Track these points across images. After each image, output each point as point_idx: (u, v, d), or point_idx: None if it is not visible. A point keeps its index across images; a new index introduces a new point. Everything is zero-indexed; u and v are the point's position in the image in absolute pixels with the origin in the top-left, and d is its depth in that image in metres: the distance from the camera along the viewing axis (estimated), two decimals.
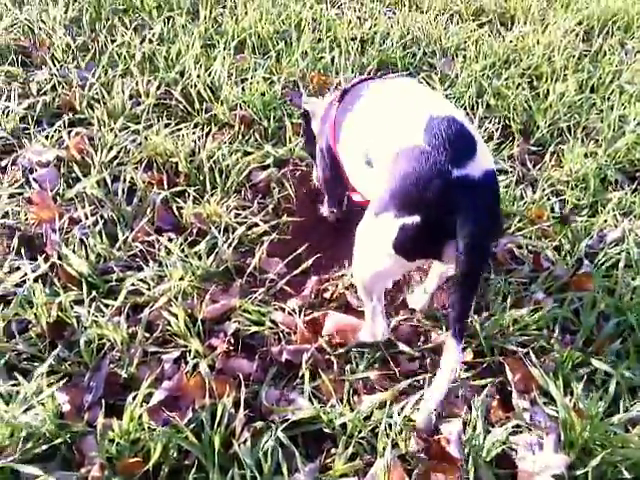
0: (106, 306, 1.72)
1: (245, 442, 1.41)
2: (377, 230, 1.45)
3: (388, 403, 1.55)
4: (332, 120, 1.78)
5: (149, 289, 1.79)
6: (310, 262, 1.97)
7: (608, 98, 2.99)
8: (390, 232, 1.40)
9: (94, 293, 1.76)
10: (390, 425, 1.50)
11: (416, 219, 1.35)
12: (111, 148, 2.34)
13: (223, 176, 2.29)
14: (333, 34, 3.24)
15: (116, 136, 2.41)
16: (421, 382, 1.65)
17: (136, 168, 2.28)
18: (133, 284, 1.79)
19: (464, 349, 1.77)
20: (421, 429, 1.49)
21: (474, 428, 1.52)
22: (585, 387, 1.65)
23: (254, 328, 1.72)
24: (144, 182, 2.22)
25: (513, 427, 1.55)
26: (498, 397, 1.64)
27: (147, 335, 1.68)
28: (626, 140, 2.63)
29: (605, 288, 1.99)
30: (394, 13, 3.60)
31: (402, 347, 1.74)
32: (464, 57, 3.17)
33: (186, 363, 1.59)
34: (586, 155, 2.61)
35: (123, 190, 2.15)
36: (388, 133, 1.47)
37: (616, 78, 3.11)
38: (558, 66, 3.14)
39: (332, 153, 1.83)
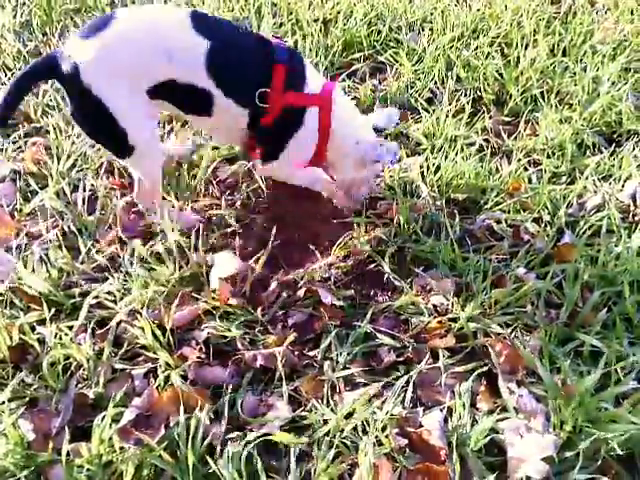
0: (71, 326, 1.64)
1: (222, 456, 1.35)
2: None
3: (370, 399, 1.49)
4: None
5: (115, 302, 1.72)
6: (269, 246, 1.90)
7: (581, 60, 2.90)
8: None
9: (57, 311, 1.68)
10: (373, 421, 1.45)
11: None
12: (69, 156, 2.25)
13: (191, 174, 2.20)
14: (295, 17, 3.13)
15: (74, 143, 2.31)
16: (402, 372, 1.59)
17: (96, 174, 2.19)
18: (97, 297, 1.72)
19: (447, 332, 1.72)
20: None
21: (460, 417, 1.47)
22: (573, 362, 1.60)
23: (225, 333, 1.65)
24: (105, 188, 2.13)
25: (500, 412, 1.50)
26: (485, 382, 1.58)
27: (115, 350, 1.60)
28: (601, 102, 2.56)
29: (588, 257, 1.93)
30: None
31: (382, 339, 1.68)
32: (431, 30, 3.07)
33: (156, 377, 1.53)
34: (561, 121, 2.53)
35: (83, 199, 2.06)
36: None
37: (588, 39, 3.02)
38: (528, 31, 3.05)
39: None
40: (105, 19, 1.58)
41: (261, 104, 1.74)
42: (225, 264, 1.82)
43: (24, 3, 3.22)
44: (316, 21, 3.09)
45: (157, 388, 1.49)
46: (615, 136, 2.54)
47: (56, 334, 1.59)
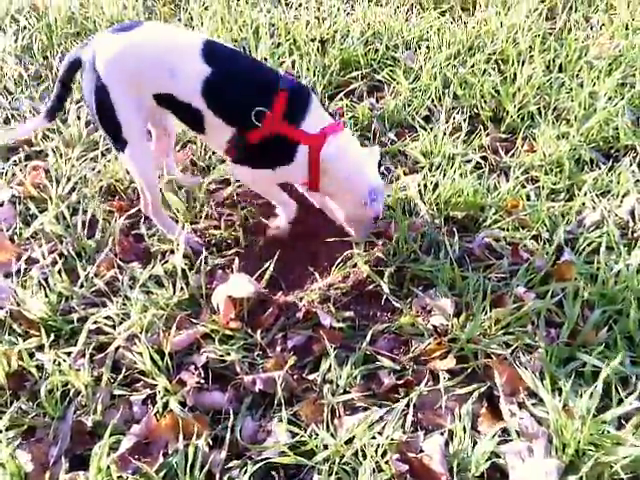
0: (69, 352, 1.64)
1: None
2: None
3: (370, 423, 1.48)
4: None
5: (114, 327, 1.71)
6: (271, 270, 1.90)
7: (577, 76, 2.92)
8: None
9: (56, 337, 1.68)
10: (373, 446, 1.43)
11: None
12: (69, 179, 2.27)
13: (191, 198, 2.21)
14: (292, 37, 3.16)
15: (73, 166, 2.33)
16: (402, 395, 1.58)
17: (95, 197, 2.20)
18: (96, 322, 1.72)
19: (447, 353, 1.70)
20: None
21: (460, 440, 1.46)
22: (574, 383, 1.59)
23: (225, 357, 1.64)
24: (105, 211, 2.14)
25: (502, 434, 1.48)
26: (486, 404, 1.57)
27: (114, 376, 1.60)
28: (598, 117, 2.56)
29: (588, 275, 1.92)
30: (353, 9, 3.51)
31: (382, 361, 1.67)
32: (427, 48, 3.10)
33: (154, 403, 1.52)
34: (558, 137, 2.54)
35: (83, 222, 2.07)
36: None
37: (583, 54, 3.04)
38: (523, 48, 3.07)
39: None
40: (133, 24, 1.79)
41: (256, 122, 1.76)
42: (239, 285, 1.80)
43: (25, 27, 3.27)
44: (313, 41, 3.13)
45: (156, 415, 1.49)
46: (612, 151, 2.55)
47: (54, 360, 1.59)
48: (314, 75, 2.88)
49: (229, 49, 1.88)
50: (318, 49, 3.06)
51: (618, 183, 2.31)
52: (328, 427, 1.49)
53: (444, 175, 2.31)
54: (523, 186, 2.31)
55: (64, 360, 1.59)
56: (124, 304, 1.78)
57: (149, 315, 1.70)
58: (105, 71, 1.71)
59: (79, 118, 2.58)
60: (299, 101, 1.81)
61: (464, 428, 1.48)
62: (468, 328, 1.72)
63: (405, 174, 2.39)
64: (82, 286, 1.86)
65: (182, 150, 2.51)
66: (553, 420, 1.48)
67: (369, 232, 2.04)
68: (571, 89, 2.81)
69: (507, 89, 2.78)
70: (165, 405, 1.52)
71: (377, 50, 3.13)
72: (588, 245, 2.03)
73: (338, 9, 3.41)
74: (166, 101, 1.80)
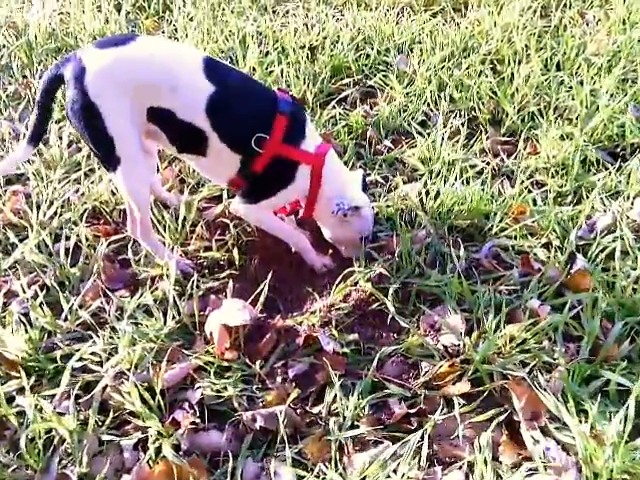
0: (52, 395, 1.51)
1: None
2: None
3: (382, 461, 1.36)
4: None
5: (100, 364, 1.59)
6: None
7: (576, 73, 2.83)
8: None
9: (39, 377, 1.56)
10: None
11: None
12: (51, 203, 2.14)
13: (180, 218, 2.08)
14: (280, 45, 3.06)
15: (55, 189, 2.21)
16: (415, 425, 1.46)
17: (78, 222, 2.07)
18: (82, 359, 1.59)
19: (460, 376, 1.58)
20: None
21: (482, 475, 1.33)
22: (600, 403, 1.47)
23: (221, 393, 1.52)
24: (89, 237, 2.01)
25: (525, 462, 1.36)
26: (506, 432, 1.45)
27: (101, 419, 1.47)
28: (601, 116, 2.46)
29: (605, 283, 1.81)
30: (342, 14, 3.42)
31: (391, 388, 1.55)
32: (420, 51, 3.00)
33: (145, 449, 1.39)
34: (562, 137, 2.44)
35: (66, 249, 1.95)
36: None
37: (581, 51, 2.95)
38: (519, 47, 2.97)
39: None
40: (125, 38, 1.73)
41: (256, 148, 1.74)
42: (233, 312, 1.68)
43: (4, 45, 3.16)
44: (302, 48, 3.03)
45: (148, 462, 1.36)
46: (619, 150, 2.44)
47: (36, 405, 1.46)
48: (304, 83, 2.78)
49: (227, 66, 1.83)
50: (307, 56, 2.96)
51: (628, 184, 2.21)
52: (337, 466, 1.37)
53: (445, 182, 2.21)
54: (529, 191, 2.21)
55: (47, 403, 1.46)
56: (111, 337, 1.65)
57: (138, 349, 1.58)
58: (97, 85, 1.61)
59: (60, 138, 2.46)
60: (298, 122, 1.80)
61: (485, 460, 1.36)
62: (481, 347, 1.60)
63: (404, 182, 2.28)
64: (66, 319, 1.73)
65: (169, 167, 2.39)
66: (581, 447, 1.36)
67: (359, 251, 1.92)
68: (571, 87, 2.72)
69: (505, 90, 2.68)
70: (158, 450, 1.39)
71: (368, 55, 3.03)
72: (601, 251, 1.92)
73: (327, 15, 3.32)
74: (161, 118, 1.70)
